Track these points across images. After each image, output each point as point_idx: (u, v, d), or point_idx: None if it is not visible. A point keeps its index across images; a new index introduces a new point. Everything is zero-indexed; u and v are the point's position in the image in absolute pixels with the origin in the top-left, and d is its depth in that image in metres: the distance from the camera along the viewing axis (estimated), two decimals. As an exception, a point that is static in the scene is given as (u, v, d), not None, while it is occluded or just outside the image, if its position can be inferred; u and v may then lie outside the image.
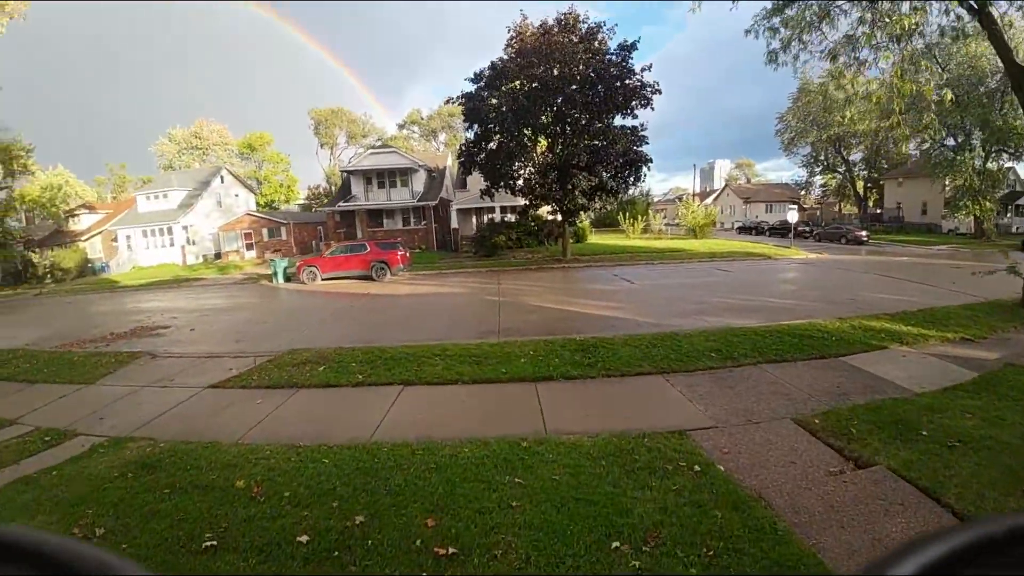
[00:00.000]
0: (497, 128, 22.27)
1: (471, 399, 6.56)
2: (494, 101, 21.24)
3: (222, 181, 41.17)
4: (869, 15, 10.01)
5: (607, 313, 12.19)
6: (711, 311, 11.64)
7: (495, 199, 26.47)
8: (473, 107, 22.43)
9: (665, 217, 55.84)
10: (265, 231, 37.10)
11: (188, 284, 26.28)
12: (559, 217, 24.96)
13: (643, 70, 22.00)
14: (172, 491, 4.31)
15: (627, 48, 22.13)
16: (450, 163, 43.35)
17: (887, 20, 9.59)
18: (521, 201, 25.66)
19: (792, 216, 33.48)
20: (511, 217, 34.66)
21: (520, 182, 23.64)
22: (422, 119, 57.89)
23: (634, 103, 22.20)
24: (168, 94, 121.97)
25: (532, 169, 23.05)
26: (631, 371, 7.12)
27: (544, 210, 29.61)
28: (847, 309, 10.94)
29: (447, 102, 25.58)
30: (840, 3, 10.56)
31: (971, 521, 0.53)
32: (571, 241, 26.49)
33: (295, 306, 16.85)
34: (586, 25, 22.35)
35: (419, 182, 35.14)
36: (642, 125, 23.03)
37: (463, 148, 24.50)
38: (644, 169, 22.90)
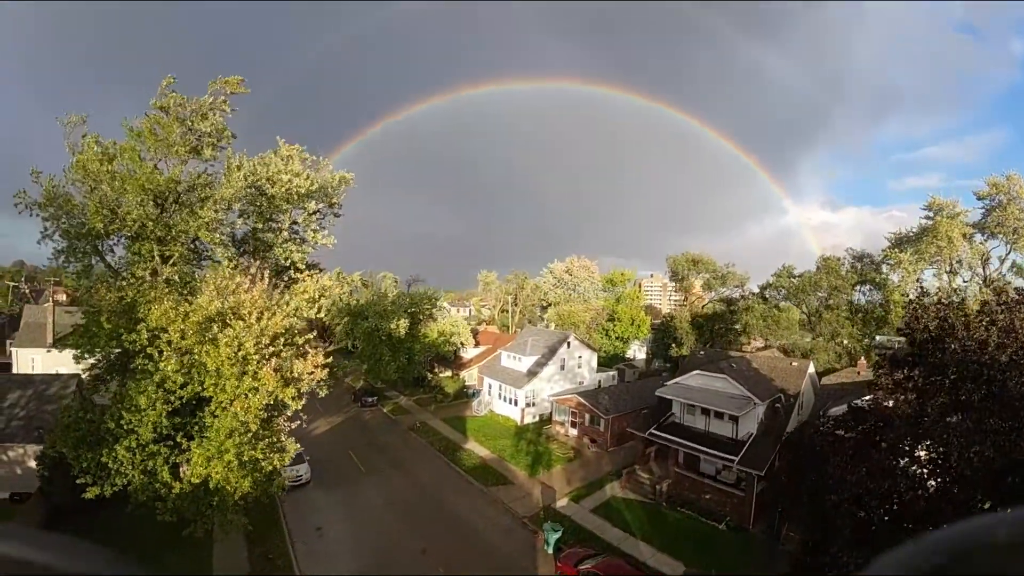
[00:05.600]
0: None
1: None
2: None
3: (568, 346, 45.17)
4: None
5: None
6: None
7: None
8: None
9: None
10: (587, 416, 37.94)
11: (493, 495, 28.83)
12: None
13: None
14: None
15: None
16: (812, 372, 33.93)
17: None
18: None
19: None
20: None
21: None
22: (794, 277, 47.97)
23: None
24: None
25: None
26: None
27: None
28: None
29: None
30: None
31: (974, 518, 0.54)
32: None
33: None
34: None
35: (750, 421, 28.54)
36: None
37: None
38: None
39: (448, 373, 51.06)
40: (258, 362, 16.34)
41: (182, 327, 15.98)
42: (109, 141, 20.10)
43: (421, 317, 47.96)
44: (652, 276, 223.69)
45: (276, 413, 19.08)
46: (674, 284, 59.74)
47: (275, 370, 16.70)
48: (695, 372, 31.05)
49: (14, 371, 40.21)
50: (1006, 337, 12.85)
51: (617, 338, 62.83)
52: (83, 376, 21.60)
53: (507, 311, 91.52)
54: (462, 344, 51.40)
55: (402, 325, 44.06)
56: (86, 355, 19.02)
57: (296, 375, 17.47)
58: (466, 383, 49.80)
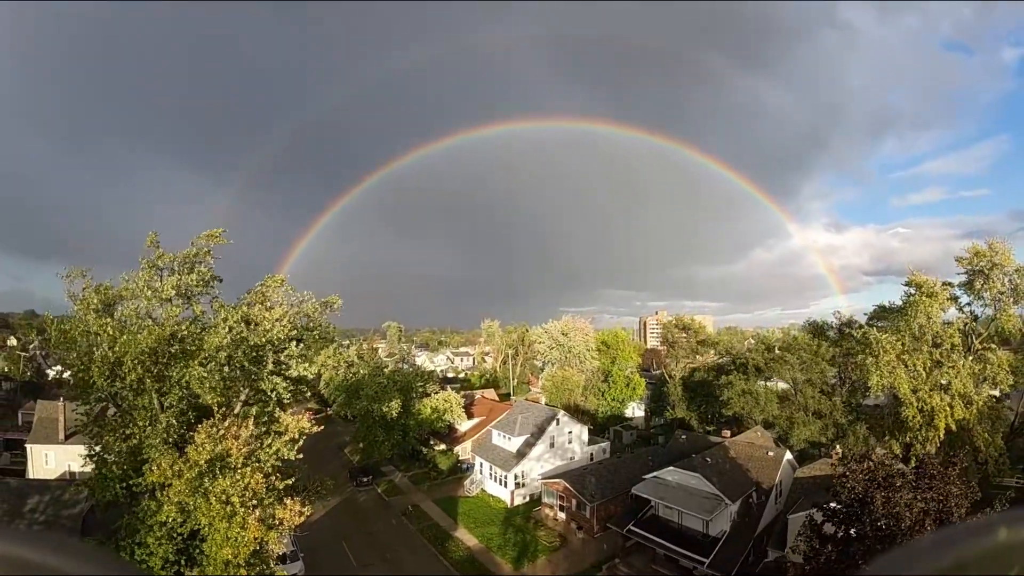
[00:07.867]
0: None
1: None
2: None
3: (557, 423, 46.37)
4: None
5: None
6: None
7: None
8: None
9: None
10: (574, 501, 38.84)
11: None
12: None
13: None
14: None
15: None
16: (789, 458, 34.80)
17: None
18: None
19: None
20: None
21: None
22: (771, 350, 49.04)
23: None
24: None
25: None
26: None
27: None
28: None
29: None
30: None
31: (973, 519, 0.56)
32: None
33: None
34: None
35: (723, 519, 29.48)
36: None
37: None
38: None
39: (443, 447, 52.22)
40: (244, 512, 18.07)
41: (179, 487, 17.89)
42: (106, 285, 22.36)
43: (414, 395, 49.53)
44: (657, 314, 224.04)
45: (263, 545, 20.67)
46: (665, 347, 60.98)
47: (259, 519, 18.39)
48: (670, 468, 32.15)
49: (28, 468, 41.96)
50: (925, 517, 14.17)
51: (613, 399, 63.84)
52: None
53: (508, 363, 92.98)
54: (455, 419, 52.78)
55: (394, 407, 45.60)
56: (102, 496, 21.07)
57: (278, 520, 19.13)
58: (460, 458, 50.88)
